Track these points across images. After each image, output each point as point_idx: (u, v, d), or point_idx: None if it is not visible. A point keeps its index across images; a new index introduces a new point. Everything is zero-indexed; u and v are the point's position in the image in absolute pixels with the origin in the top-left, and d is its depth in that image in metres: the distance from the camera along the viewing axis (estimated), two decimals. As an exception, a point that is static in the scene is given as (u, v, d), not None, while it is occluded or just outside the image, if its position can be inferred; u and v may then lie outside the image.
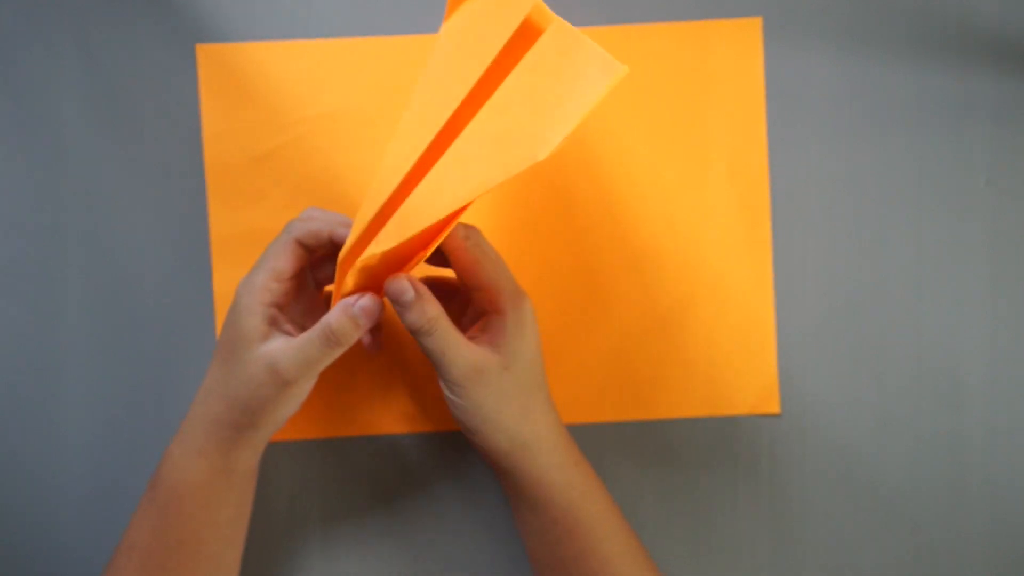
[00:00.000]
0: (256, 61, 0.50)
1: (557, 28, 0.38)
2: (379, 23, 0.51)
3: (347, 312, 0.40)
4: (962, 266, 0.52)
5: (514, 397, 0.43)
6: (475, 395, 0.42)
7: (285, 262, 0.42)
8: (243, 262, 0.50)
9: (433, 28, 0.51)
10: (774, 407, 0.51)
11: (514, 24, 0.38)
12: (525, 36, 0.39)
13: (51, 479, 0.51)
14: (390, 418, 0.51)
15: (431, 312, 0.41)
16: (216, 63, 0.50)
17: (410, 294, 0.40)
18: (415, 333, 0.41)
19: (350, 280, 0.41)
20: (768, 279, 0.51)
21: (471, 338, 0.43)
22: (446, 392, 0.43)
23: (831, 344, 0.51)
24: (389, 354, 0.51)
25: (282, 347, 0.41)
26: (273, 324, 0.42)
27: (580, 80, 0.37)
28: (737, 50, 0.51)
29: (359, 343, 0.46)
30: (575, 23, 0.50)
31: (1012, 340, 0.52)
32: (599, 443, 0.51)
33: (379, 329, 0.48)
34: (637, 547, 0.45)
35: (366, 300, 0.41)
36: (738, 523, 0.51)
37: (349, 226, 0.42)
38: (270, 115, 0.50)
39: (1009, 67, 0.51)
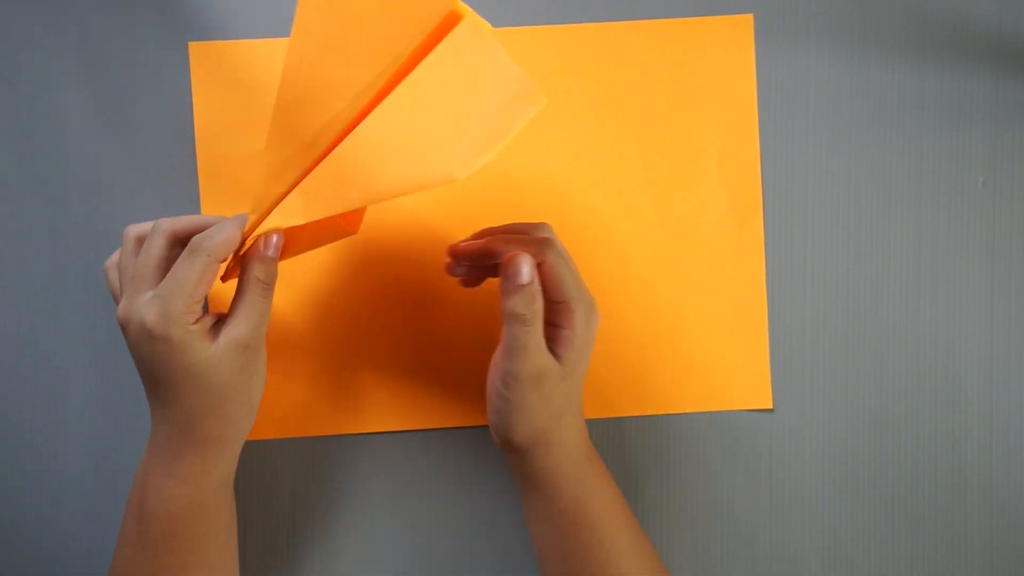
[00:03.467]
0: (248, 59, 0.50)
1: (472, 28, 0.38)
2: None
3: (262, 258, 0.42)
4: (959, 265, 0.52)
5: (557, 403, 0.43)
6: (528, 394, 0.42)
7: (205, 286, 0.41)
8: (236, 259, 0.50)
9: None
10: (767, 403, 0.51)
11: (432, 17, 0.38)
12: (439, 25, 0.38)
13: (52, 477, 0.51)
14: (392, 416, 0.51)
15: (538, 303, 0.41)
16: (208, 61, 0.50)
17: (527, 278, 0.41)
18: (511, 317, 0.41)
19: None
20: (760, 275, 0.51)
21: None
22: (496, 381, 0.43)
23: (827, 341, 0.51)
24: (387, 353, 0.51)
25: (234, 325, 0.41)
26: (212, 329, 0.41)
27: (500, 105, 0.38)
28: (728, 47, 0.51)
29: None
30: (565, 20, 0.51)
31: (1009, 338, 0.52)
32: (595, 439, 0.51)
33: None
34: (643, 542, 0.46)
35: (274, 238, 0.42)
36: (735, 518, 0.51)
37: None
38: (262, 113, 0.50)
39: (1007, 68, 0.52)
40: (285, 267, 0.50)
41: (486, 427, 0.51)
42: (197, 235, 0.41)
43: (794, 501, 0.51)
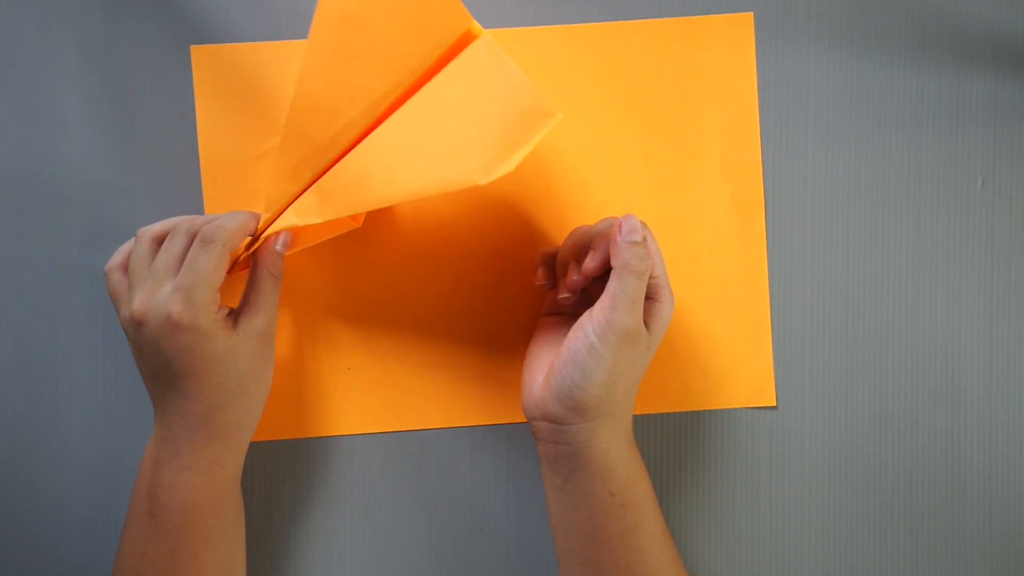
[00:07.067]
0: (250, 62, 0.50)
1: (487, 45, 0.42)
2: (372, 22, 0.51)
3: (272, 252, 0.46)
4: (958, 265, 0.52)
5: (634, 373, 0.44)
6: (619, 351, 0.43)
7: (221, 273, 0.44)
8: (240, 262, 0.50)
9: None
10: (770, 400, 0.52)
11: (448, 37, 0.42)
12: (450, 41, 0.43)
13: (54, 479, 0.51)
14: (394, 417, 0.51)
15: (648, 262, 0.43)
16: (210, 64, 0.50)
17: (640, 235, 0.43)
18: (625, 269, 0.42)
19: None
20: (763, 273, 0.52)
21: None
22: (590, 334, 0.43)
23: (828, 339, 0.52)
24: (390, 355, 0.51)
25: (251, 317, 0.45)
26: (229, 318, 0.45)
27: (517, 118, 0.42)
28: (729, 45, 0.52)
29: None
30: (565, 20, 0.51)
31: (1008, 338, 0.52)
32: (596, 438, 0.51)
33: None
34: (669, 534, 0.46)
35: (282, 236, 0.46)
36: (736, 516, 0.52)
37: (257, 218, 0.46)
38: (264, 116, 0.50)
39: (1006, 68, 0.52)
40: (290, 267, 0.51)
41: (487, 427, 0.51)
42: (207, 227, 0.44)
43: (794, 499, 0.52)
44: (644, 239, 0.43)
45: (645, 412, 0.52)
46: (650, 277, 0.44)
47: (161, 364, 0.43)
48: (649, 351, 0.45)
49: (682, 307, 0.51)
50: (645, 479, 0.45)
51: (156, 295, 0.43)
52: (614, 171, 0.51)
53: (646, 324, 0.44)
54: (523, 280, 0.51)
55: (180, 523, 0.43)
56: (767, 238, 0.52)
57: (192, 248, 0.43)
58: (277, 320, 0.48)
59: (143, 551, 0.44)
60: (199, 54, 0.50)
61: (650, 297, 0.45)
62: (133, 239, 0.46)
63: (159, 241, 0.45)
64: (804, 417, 0.52)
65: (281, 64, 0.50)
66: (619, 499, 0.44)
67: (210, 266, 0.43)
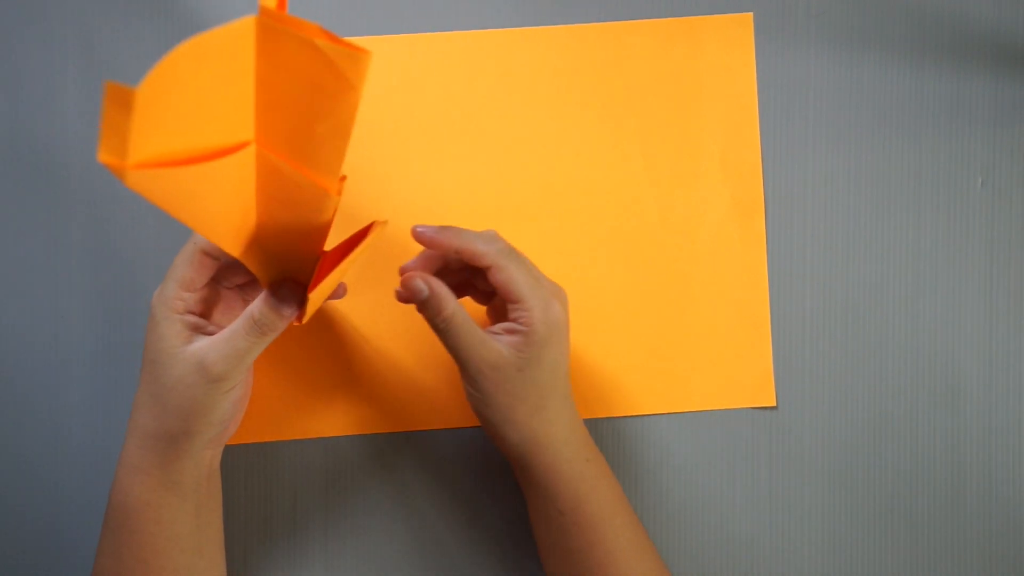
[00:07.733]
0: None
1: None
2: (375, 22, 0.51)
3: (269, 302, 0.40)
4: (958, 265, 0.52)
5: (528, 397, 0.43)
6: (489, 390, 0.43)
7: (193, 272, 0.42)
8: (240, 262, 0.50)
9: (430, 27, 0.51)
10: (770, 400, 0.52)
11: None
12: None
13: (55, 481, 0.51)
14: (394, 417, 0.51)
15: (447, 310, 0.42)
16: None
17: (424, 293, 0.42)
18: (432, 327, 0.43)
19: (255, 262, 0.40)
20: (762, 274, 0.52)
21: (499, 332, 0.43)
22: (464, 383, 0.44)
23: (828, 339, 0.52)
24: (391, 354, 0.51)
25: (208, 343, 0.41)
26: (194, 329, 0.42)
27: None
28: (729, 46, 0.52)
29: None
30: (565, 20, 0.51)
31: (1008, 339, 0.52)
32: (596, 439, 0.51)
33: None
34: (643, 541, 0.46)
35: (286, 290, 0.41)
36: (735, 518, 0.52)
37: None
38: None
39: (1005, 68, 0.52)
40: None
41: (490, 426, 0.52)
42: None
43: (794, 499, 0.52)
44: (432, 290, 0.41)
45: (644, 413, 0.52)
46: (510, 302, 0.43)
47: None
48: (526, 370, 0.42)
49: (682, 307, 0.51)
50: (600, 495, 0.45)
51: None
52: (614, 172, 0.51)
53: (514, 346, 0.42)
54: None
55: (120, 525, 0.43)
56: (767, 238, 0.52)
57: None
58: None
59: (100, 550, 0.44)
60: (199, 54, 0.50)
61: (515, 319, 0.43)
62: None
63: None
64: (804, 417, 0.52)
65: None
66: (569, 518, 0.44)
67: (179, 259, 0.42)
